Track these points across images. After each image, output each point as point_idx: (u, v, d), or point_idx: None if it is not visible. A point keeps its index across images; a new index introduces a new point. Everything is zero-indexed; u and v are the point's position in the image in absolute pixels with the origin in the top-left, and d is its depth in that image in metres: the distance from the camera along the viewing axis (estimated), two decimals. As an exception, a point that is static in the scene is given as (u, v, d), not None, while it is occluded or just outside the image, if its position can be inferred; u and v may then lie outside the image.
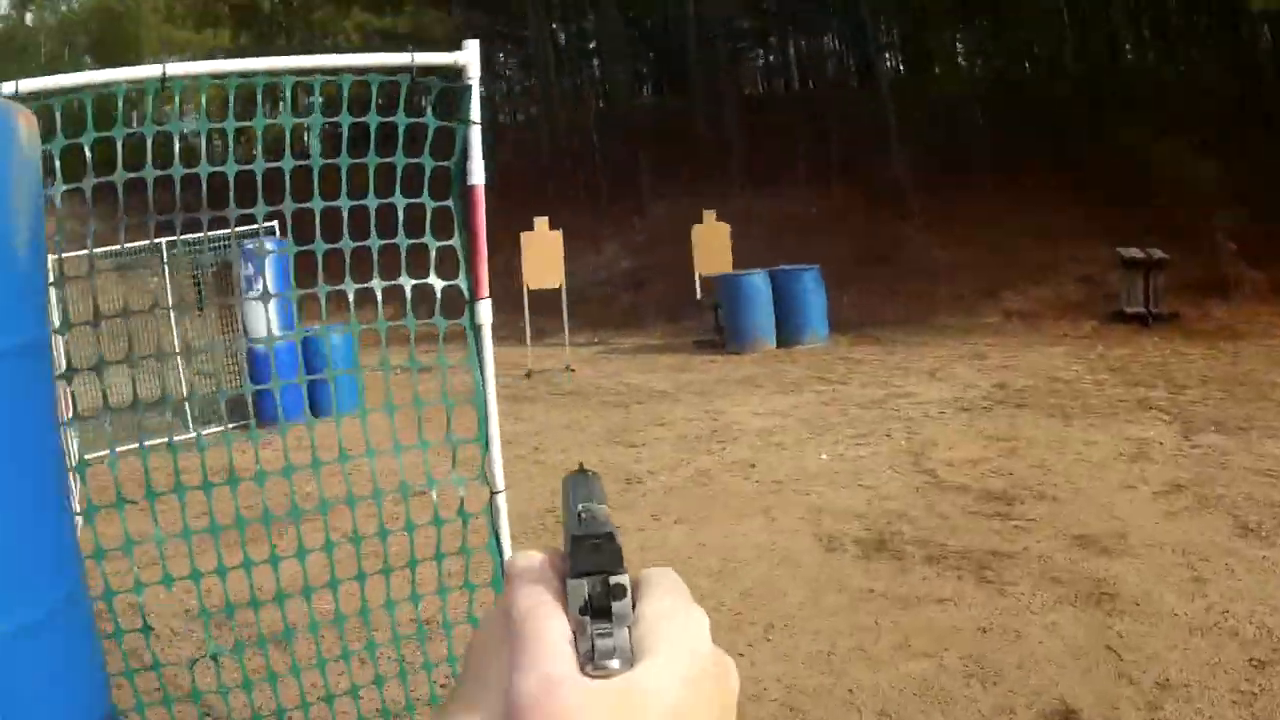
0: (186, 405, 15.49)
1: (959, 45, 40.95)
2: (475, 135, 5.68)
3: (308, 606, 6.10)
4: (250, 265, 17.75)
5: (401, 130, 5.70)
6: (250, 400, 7.49)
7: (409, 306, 6.05)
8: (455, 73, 5.73)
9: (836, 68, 45.77)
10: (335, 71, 5.74)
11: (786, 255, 25.74)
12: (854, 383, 18.31)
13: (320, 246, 5.76)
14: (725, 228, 23.33)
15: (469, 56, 5.68)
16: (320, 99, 5.97)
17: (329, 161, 5.87)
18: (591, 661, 0.75)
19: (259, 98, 5.81)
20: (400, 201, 5.76)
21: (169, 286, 17.57)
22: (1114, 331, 21.46)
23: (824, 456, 13.21)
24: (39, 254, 3.11)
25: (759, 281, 23.02)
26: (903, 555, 9.35)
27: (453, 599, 6.30)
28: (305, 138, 10.89)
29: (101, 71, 5.30)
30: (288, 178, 5.58)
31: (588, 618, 0.77)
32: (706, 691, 0.77)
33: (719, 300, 24.07)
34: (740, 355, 22.39)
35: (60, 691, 3.16)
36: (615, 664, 0.75)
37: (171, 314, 16.31)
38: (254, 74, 5.62)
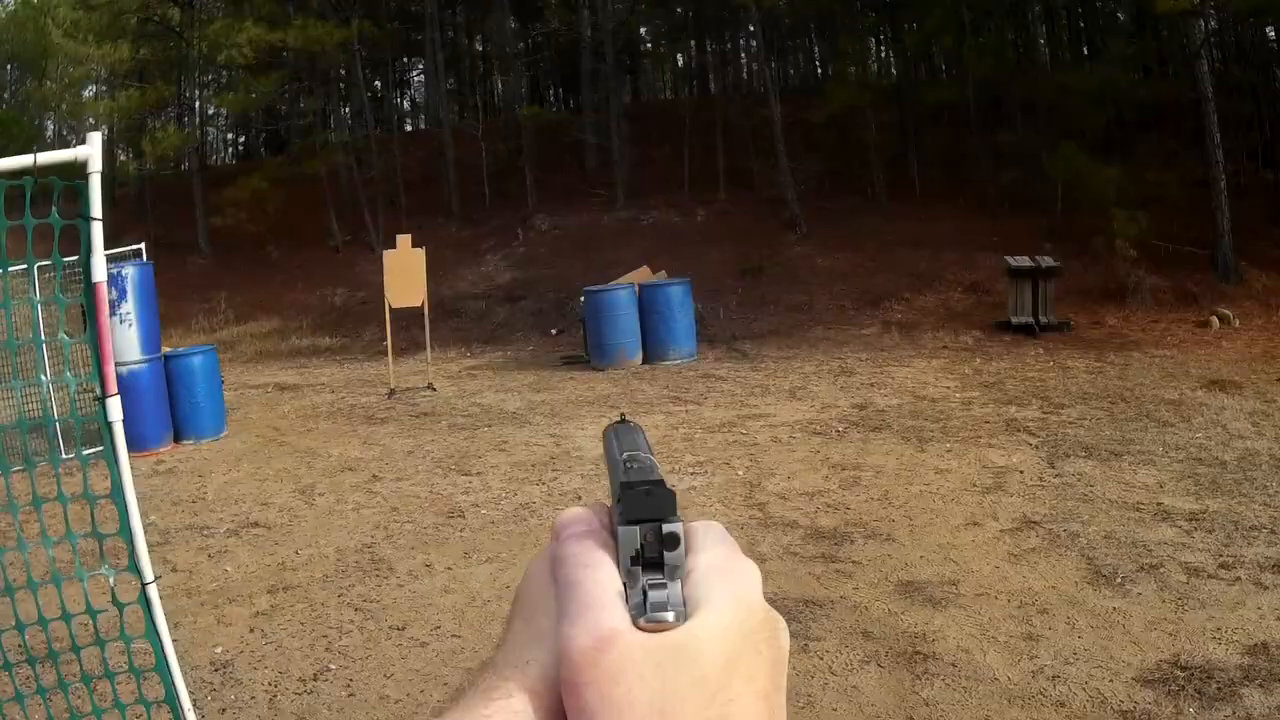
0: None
1: (859, 52, 40.70)
2: (97, 231, 5.53)
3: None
4: (115, 289, 17.38)
5: (30, 232, 5.62)
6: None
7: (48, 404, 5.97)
8: (78, 169, 5.55)
9: (735, 76, 45.62)
10: None
11: (666, 266, 25.55)
12: (709, 403, 17.81)
13: None
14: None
15: (90, 151, 5.51)
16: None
17: None
18: (644, 613, 0.73)
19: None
20: (36, 302, 5.69)
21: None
22: (997, 343, 21.39)
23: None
24: None
25: (624, 297, 22.63)
26: None
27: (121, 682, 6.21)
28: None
29: None
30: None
31: (639, 568, 0.76)
32: (758, 647, 0.75)
33: (582, 317, 23.67)
34: (601, 372, 22.06)
35: None
36: (669, 616, 0.73)
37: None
38: None
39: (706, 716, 0.69)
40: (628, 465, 0.88)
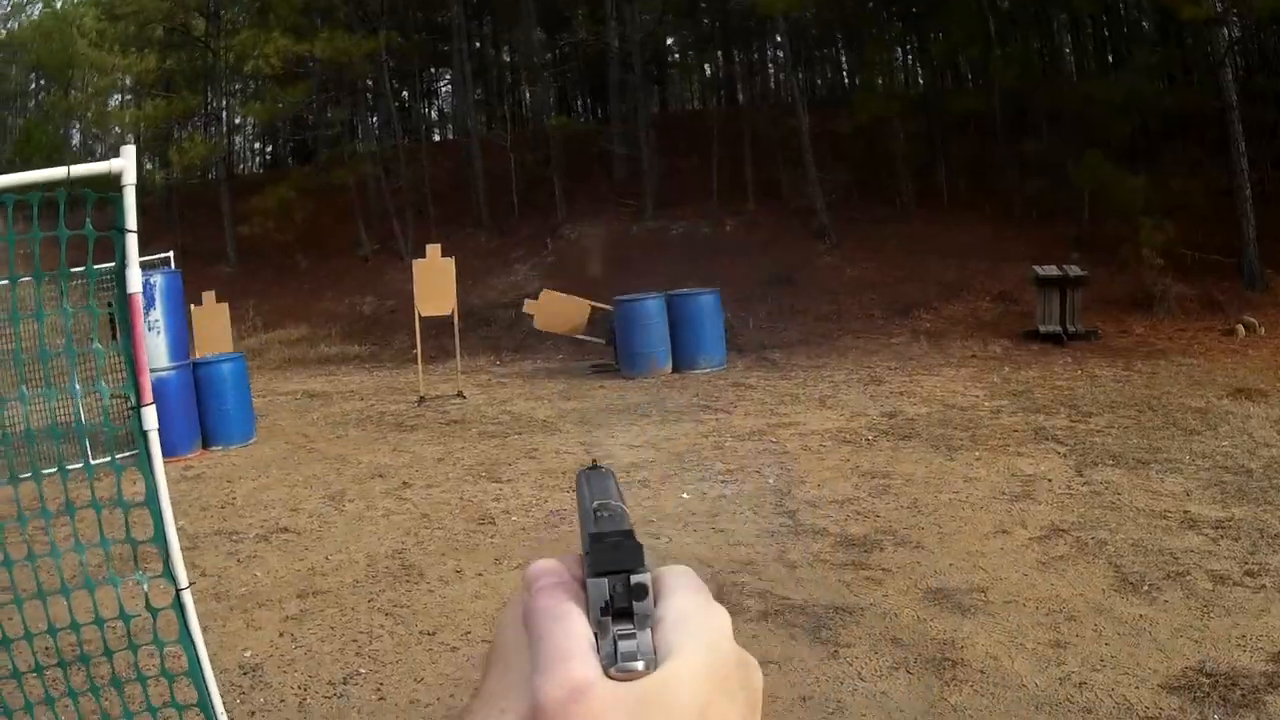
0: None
1: (886, 62, 40.54)
2: (132, 243, 5.55)
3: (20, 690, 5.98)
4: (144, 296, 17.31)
5: (63, 242, 5.54)
6: None
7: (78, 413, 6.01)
8: (111, 181, 5.57)
9: (763, 86, 45.44)
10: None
11: (696, 276, 25.46)
12: (739, 411, 17.77)
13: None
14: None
15: (124, 164, 5.52)
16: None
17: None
18: (615, 663, 0.73)
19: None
20: (69, 313, 6.18)
21: None
22: (1025, 352, 21.26)
23: (685, 495, 12.67)
24: None
25: (654, 306, 22.69)
26: (739, 609, 8.58)
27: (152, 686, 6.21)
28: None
29: None
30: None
31: (609, 618, 0.77)
32: (731, 691, 0.76)
33: (614, 325, 23.63)
34: (632, 381, 22.06)
35: None
36: (639, 665, 0.73)
37: None
38: None
39: None
40: (598, 514, 0.89)
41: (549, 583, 0.81)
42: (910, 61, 41.44)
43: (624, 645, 0.72)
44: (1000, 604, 8.23)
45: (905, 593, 8.69)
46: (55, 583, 6.01)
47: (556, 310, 24.85)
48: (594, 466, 1.03)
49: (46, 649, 6.06)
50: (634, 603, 0.75)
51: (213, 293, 22.29)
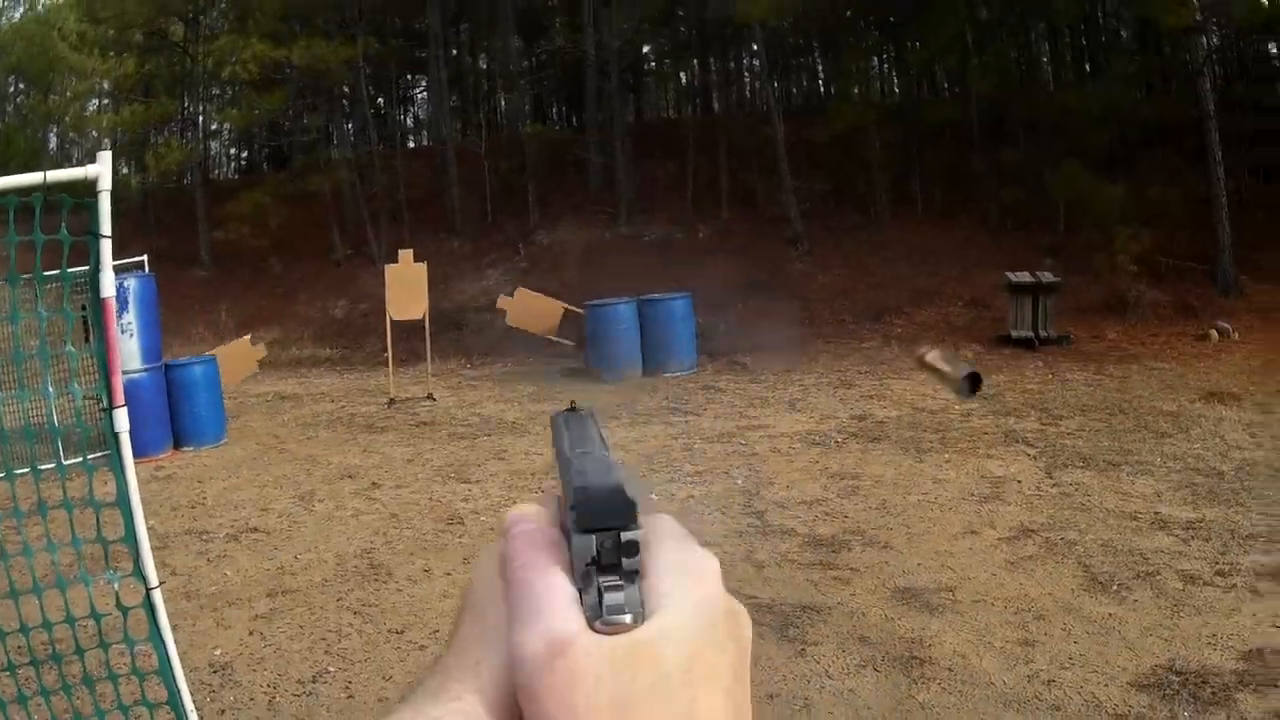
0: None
1: (863, 71, 40.60)
2: (106, 248, 5.56)
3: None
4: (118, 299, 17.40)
5: (39, 247, 5.65)
6: None
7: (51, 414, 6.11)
8: (87, 186, 5.59)
9: (739, 95, 45.51)
10: None
11: (669, 281, 25.42)
12: (708, 414, 17.86)
13: None
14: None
15: (99, 169, 5.55)
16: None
17: None
18: (600, 616, 0.71)
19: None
20: (43, 316, 6.09)
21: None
22: (997, 356, 21.33)
23: (653, 496, 12.61)
24: None
25: (625, 310, 22.90)
26: None
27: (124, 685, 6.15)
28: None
29: None
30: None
31: (594, 569, 0.73)
32: (720, 642, 0.74)
33: (585, 329, 23.75)
34: (603, 384, 22.16)
35: None
36: (626, 619, 0.71)
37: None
38: None
39: (669, 716, 0.69)
40: (580, 465, 0.83)
41: (527, 529, 0.79)
42: (887, 70, 41.54)
43: (610, 598, 0.70)
44: (968, 603, 8.24)
45: (873, 592, 8.70)
46: (27, 581, 6.03)
47: (529, 308, 25.09)
48: (572, 408, 1.04)
49: (19, 647, 6.04)
50: (623, 559, 0.72)
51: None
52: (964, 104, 33.95)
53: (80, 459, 6.25)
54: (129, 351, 17.25)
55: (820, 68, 43.84)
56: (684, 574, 0.74)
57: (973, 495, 11.39)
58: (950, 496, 11.42)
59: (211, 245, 42.90)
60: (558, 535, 0.77)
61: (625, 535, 0.72)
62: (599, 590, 0.70)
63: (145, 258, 21.92)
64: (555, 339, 25.12)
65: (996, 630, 7.69)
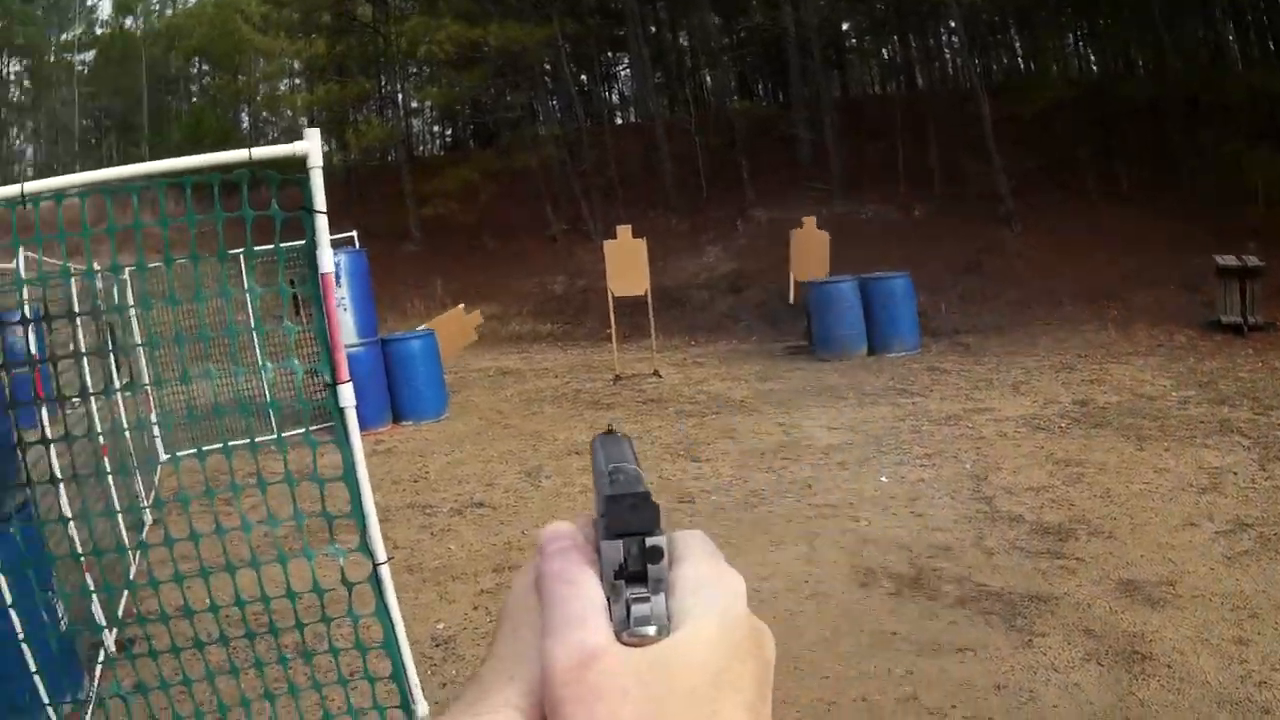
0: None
1: (1058, 49, 40.01)
2: (321, 223, 5.69)
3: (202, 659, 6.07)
4: None
5: (249, 223, 5.70)
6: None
7: (268, 390, 6.29)
8: (297, 162, 5.70)
9: (941, 71, 45.14)
10: (178, 174, 5.76)
11: (886, 261, 25.57)
12: (934, 395, 17.84)
13: (182, 339, 5.87)
14: (824, 235, 22.89)
15: (308, 146, 5.65)
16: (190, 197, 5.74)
17: (180, 259, 6.30)
18: (627, 628, 0.74)
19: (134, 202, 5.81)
20: (257, 292, 6.04)
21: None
22: (1209, 342, 20.78)
23: (884, 479, 12.76)
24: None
25: (849, 289, 22.81)
26: (936, 594, 8.83)
27: (344, 658, 6.31)
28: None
29: None
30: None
31: (623, 582, 0.76)
32: (744, 658, 0.75)
33: (809, 307, 23.68)
34: (827, 363, 22.23)
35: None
36: (652, 630, 0.74)
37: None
38: (103, 184, 5.86)
39: None
40: (613, 477, 0.90)
41: (561, 545, 0.82)
42: (1082, 48, 40.94)
43: (637, 610, 0.74)
44: (1188, 598, 8.22)
45: (1098, 583, 8.71)
46: (245, 554, 6.20)
47: (808, 248, 25.18)
48: (609, 432, 1.11)
49: (232, 620, 6.30)
50: (648, 566, 0.77)
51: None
52: (1158, 82, 33.57)
53: (301, 432, 6.33)
54: (345, 327, 17.24)
55: (1018, 44, 43.34)
56: (710, 589, 0.77)
57: (1191, 486, 11.26)
58: (1170, 487, 11.33)
59: (421, 220, 43.34)
60: (591, 551, 0.81)
61: (650, 540, 0.77)
62: (627, 602, 0.75)
63: (355, 233, 22.37)
64: (796, 289, 25.17)
65: (1213, 627, 7.65)
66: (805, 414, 17.10)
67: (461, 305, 24.94)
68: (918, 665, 7.46)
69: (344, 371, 5.69)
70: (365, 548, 5.84)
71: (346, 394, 5.69)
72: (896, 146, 36.64)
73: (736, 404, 18.69)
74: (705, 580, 0.78)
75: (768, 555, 10.22)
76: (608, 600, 0.75)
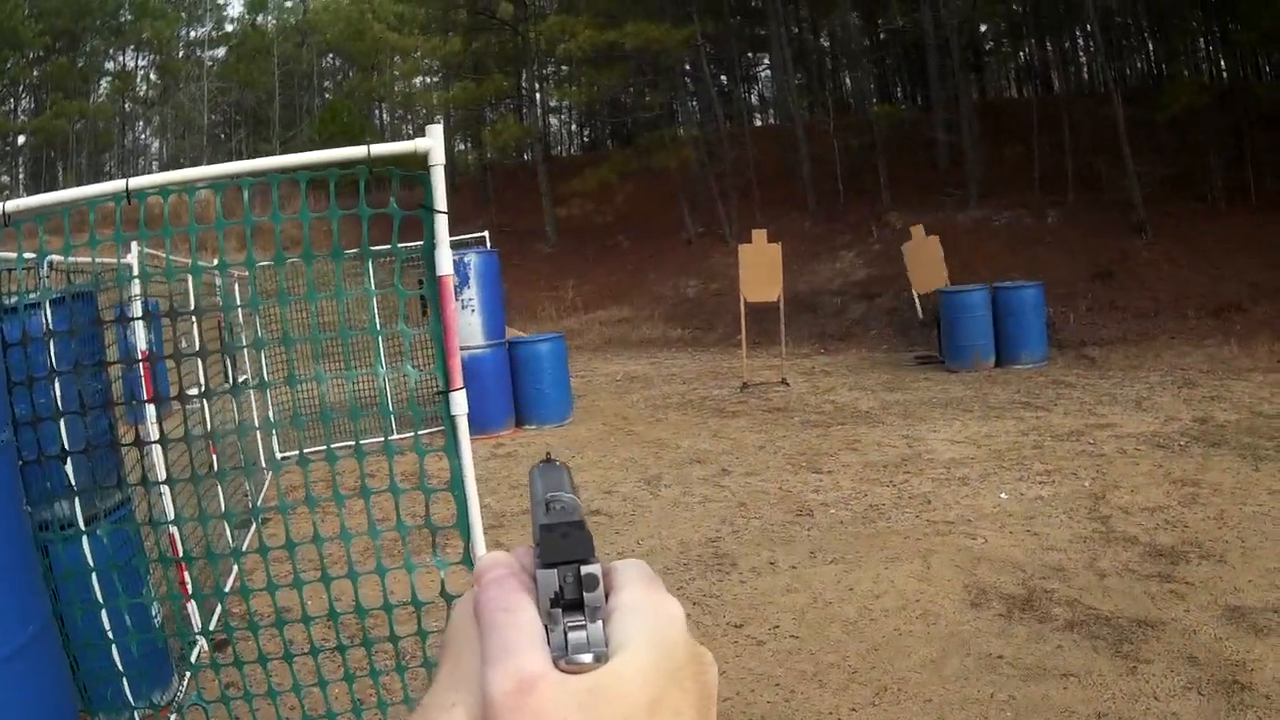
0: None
1: (1190, 52, 39.52)
2: (441, 223, 5.55)
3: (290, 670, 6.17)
4: (458, 275, 17.92)
5: (365, 221, 5.59)
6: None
7: (384, 392, 6.17)
8: (420, 159, 5.59)
9: (1076, 75, 44.81)
10: (293, 170, 5.65)
11: (1017, 268, 25.51)
12: (1058, 410, 17.76)
13: (290, 339, 5.84)
14: (935, 240, 22.76)
15: (430, 143, 5.56)
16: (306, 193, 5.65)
17: (293, 258, 6.31)
18: (565, 655, 0.74)
19: (245, 197, 5.91)
20: (372, 292, 6.29)
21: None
22: None
23: (1003, 495, 12.76)
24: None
25: (979, 299, 22.81)
26: (1046, 617, 8.79)
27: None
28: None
29: (70, 191, 5.61)
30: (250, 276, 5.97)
31: (560, 610, 0.77)
32: (683, 684, 0.76)
33: (939, 317, 23.73)
34: (956, 374, 22.33)
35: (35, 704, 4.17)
36: (588, 658, 0.74)
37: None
38: (213, 179, 5.71)
39: None
40: (550, 506, 0.91)
41: (499, 574, 0.83)
42: (1213, 53, 40.45)
43: (574, 637, 0.75)
44: None
45: (1205, 609, 8.62)
46: (343, 565, 6.25)
47: (924, 257, 24.97)
48: (548, 461, 1.09)
49: (325, 633, 6.35)
50: (584, 594, 0.78)
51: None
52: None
53: (409, 435, 6.33)
54: (471, 328, 17.95)
55: (1151, 48, 42.89)
56: (646, 616, 0.78)
57: None
58: None
59: (556, 221, 43.67)
60: (528, 580, 0.82)
61: (585, 569, 0.78)
62: (564, 630, 0.75)
63: (486, 233, 22.46)
64: (919, 302, 25.15)
65: None
66: (930, 426, 17.14)
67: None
68: (1021, 691, 7.46)
69: (458, 379, 5.67)
70: (469, 559, 5.83)
71: (459, 401, 5.69)
72: (1032, 150, 36.39)
73: (862, 415, 18.72)
74: (641, 606, 0.80)
75: (882, 572, 10.24)
76: (546, 628, 0.77)
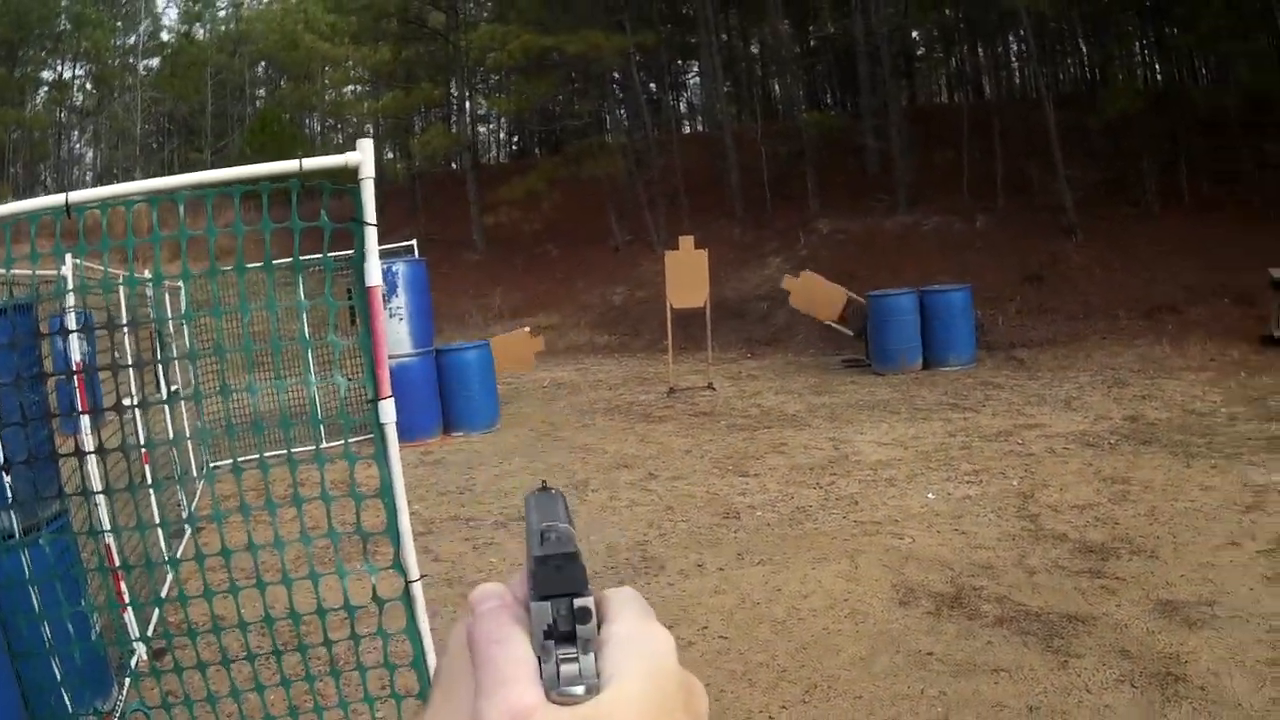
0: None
1: (1126, 57, 39.77)
2: (371, 235, 5.58)
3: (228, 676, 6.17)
4: (386, 284, 17.89)
5: (297, 234, 5.76)
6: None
7: (313, 401, 6.20)
8: (351, 173, 5.60)
9: (1008, 80, 45.10)
10: (227, 184, 5.70)
11: (947, 272, 25.66)
12: (986, 411, 17.84)
13: (222, 350, 5.85)
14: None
15: (360, 157, 5.59)
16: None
17: (226, 269, 6.41)
18: (557, 687, 0.73)
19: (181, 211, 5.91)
20: (304, 304, 6.26)
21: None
22: (1261, 357, 20.57)
23: (930, 495, 12.78)
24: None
25: (907, 302, 22.90)
26: (975, 614, 8.79)
27: (372, 676, 6.31)
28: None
29: (11, 205, 5.71)
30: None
31: (552, 642, 0.76)
32: (674, 714, 0.75)
33: (866, 320, 23.79)
34: (882, 377, 22.33)
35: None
36: (580, 690, 0.73)
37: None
38: (150, 194, 5.75)
39: None
40: (545, 536, 0.87)
41: (492, 606, 0.82)
42: (1148, 57, 40.67)
43: (566, 669, 0.74)
44: (1226, 619, 8.14)
45: (1137, 603, 8.65)
46: (277, 571, 6.22)
47: (814, 294, 25.00)
48: (543, 489, 1.06)
49: (259, 637, 6.37)
50: (577, 626, 0.77)
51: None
52: (1226, 92, 33.27)
53: (340, 443, 6.27)
54: (399, 336, 17.90)
55: (1085, 52, 43.13)
56: (638, 647, 0.77)
57: (1235, 504, 11.17)
58: (1214, 505, 11.24)
59: (484, 229, 43.49)
60: (521, 611, 0.81)
61: (578, 602, 0.77)
62: (556, 662, 0.74)
63: (415, 242, 22.44)
64: (836, 326, 25.25)
65: (1249, 649, 7.55)
66: (857, 428, 17.18)
67: (527, 328, 25.10)
68: (952, 686, 7.45)
69: (386, 387, 5.68)
70: (399, 565, 5.83)
71: (388, 410, 5.69)
72: (962, 156, 36.55)
73: (789, 418, 18.75)
74: (633, 637, 0.78)
75: (809, 572, 10.22)
76: (538, 660, 0.75)
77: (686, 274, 21.92)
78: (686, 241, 22.40)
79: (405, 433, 5.54)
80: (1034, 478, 13.17)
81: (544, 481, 1.10)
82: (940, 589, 9.44)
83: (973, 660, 7.86)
